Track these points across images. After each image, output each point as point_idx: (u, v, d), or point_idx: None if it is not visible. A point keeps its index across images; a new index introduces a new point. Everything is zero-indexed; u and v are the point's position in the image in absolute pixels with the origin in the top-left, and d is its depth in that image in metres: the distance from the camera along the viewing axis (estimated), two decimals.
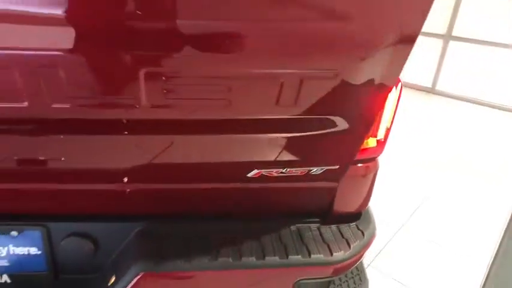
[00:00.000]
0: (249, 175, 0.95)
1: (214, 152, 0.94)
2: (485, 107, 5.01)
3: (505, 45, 4.93)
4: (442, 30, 5.32)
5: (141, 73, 0.73)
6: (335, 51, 0.78)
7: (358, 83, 0.82)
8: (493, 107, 4.99)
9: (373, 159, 1.12)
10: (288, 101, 0.82)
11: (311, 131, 0.90)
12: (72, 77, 0.73)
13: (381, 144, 1.09)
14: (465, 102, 5.15)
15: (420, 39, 0.79)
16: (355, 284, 1.24)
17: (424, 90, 5.52)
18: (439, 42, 5.40)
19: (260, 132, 0.90)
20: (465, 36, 5.19)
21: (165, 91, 0.76)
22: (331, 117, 0.88)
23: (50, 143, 0.88)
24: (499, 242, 2.28)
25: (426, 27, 0.77)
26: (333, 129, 0.90)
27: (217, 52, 0.75)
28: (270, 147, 0.94)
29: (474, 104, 5.09)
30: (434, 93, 5.52)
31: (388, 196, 2.59)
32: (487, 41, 5.02)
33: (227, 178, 0.99)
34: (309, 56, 0.77)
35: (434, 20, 5.22)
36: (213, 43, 0.73)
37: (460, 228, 2.45)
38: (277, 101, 0.81)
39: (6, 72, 0.72)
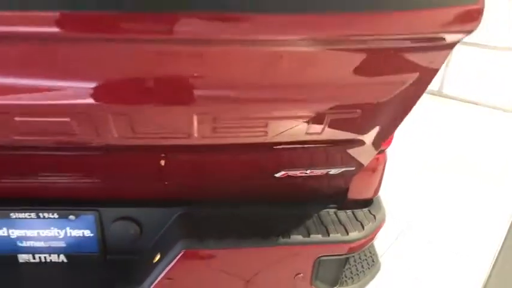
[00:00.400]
0: (276, 175, 1.10)
1: (247, 160, 1.08)
2: (491, 109, 5.12)
3: (510, 49, 5.06)
4: None
5: (196, 117, 0.87)
6: (362, 100, 0.92)
7: (378, 117, 0.97)
8: (499, 109, 5.11)
9: (383, 152, 1.26)
10: (316, 131, 0.96)
11: (334, 145, 1.05)
12: (146, 120, 0.89)
13: (390, 138, 1.24)
14: (472, 105, 5.27)
15: None
16: (368, 265, 1.38)
17: (431, 94, 5.63)
18: None
19: (289, 146, 1.04)
20: (470, 41, 5.32)
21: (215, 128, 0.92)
22: (354, 138, 1.03)
23: (118, 159, 1.04)
24: (502, 242, 2.39)
25: None
26: (353, 144, 1.05)
27: (264, 105, 0.90)
28: (297, 156, 1.09)
29: (480, 107, 5.21)
30: (441, 96, 5.64)
31: (391, 197, 2.71)
32: (492, 46, 5.15)
33: (257, 177, 1.14)
34: (339, 103, 0.92)
35: None
36: (263, 100, 0.88)
37: (463, 229, 2.55)
38: (307, 132, 0.96)
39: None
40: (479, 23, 0.77)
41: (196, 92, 0.82)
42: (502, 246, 2.31)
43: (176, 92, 0.83)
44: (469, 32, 0.79)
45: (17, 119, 0.83)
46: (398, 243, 2.37)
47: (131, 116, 0.85)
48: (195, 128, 0.88)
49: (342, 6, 0.72)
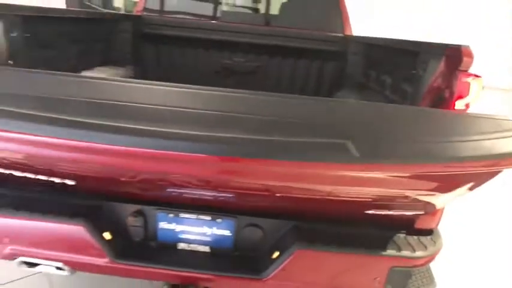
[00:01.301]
0: (366, 212, 1.57)
1: (348, 204, 1.55)
2: None
3: None
4: None
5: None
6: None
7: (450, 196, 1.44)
8: None
9: None
10: (401, 203, 1.47)
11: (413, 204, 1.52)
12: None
13: None
14: None
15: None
16: (427, 281, 1.79)
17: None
18: None
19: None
20: None
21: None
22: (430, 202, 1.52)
23: (255, 196, 1.55)
24: None
25: None
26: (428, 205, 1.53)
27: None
28: (385, 206, 1.54)
29: None
30: None
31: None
32: None
33: (354, 211, 1.62)
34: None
35: None
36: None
37: None
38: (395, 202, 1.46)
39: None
40: None
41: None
42: None
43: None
44: None
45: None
46: None
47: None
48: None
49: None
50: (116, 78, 1.24)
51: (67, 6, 5.18)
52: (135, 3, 5.96)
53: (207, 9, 4.00)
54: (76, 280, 2.35)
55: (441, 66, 1.61)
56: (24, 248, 1.66)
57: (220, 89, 1.28)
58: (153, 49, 3.80)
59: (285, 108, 1.22)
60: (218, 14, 3.95)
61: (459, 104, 1.54)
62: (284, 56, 3.79)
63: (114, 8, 5.84)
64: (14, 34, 1.82)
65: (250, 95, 1.27)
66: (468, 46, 1.51)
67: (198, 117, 1.20)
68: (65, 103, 1.17)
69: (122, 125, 1.10)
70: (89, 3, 5.20)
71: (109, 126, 1.09)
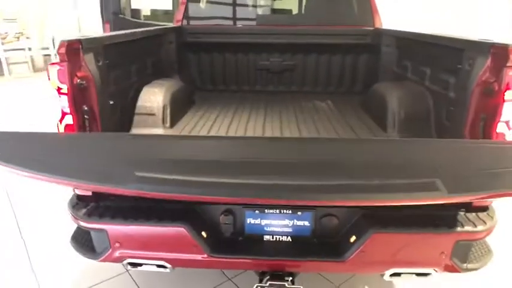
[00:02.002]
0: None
1: None
2: None
3: None
4: None
5: None
6: None
7: None
8: None
9: None
10: None
11: None
12: None
13: None
14: None
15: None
16: (485, 252, 2.01)
17: None
18: None
19: None
20: None
21: None
22: None
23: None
24: None
25: None
26: None
27: None
28: None
29: None
30: None
31: None
32: None
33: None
34: None
35: None
36: None
37: None
38: None
39: None
40: None
41: None
42: None
43: None
44: None
45: None
46: None
47: None
48: None
49: None
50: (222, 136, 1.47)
51: (104, 20, 5.49)
52: (165, 11, 6.30)
53: (243, 13, 4.23)
54: (156, 276, 2.62)
55: (489, 62, 1.81)
56: (132, 251, 1.94)
57: (316, 138, 1.43)
58: (195, 56, 4.06)
59: (380, 152, 1.40)
60: (253, 18, 4.17)
61: (508, 95, 1.75)
62: (318, 53, 4.01)
63: (142, 17, 6.13)
64: (100, 64, 2.08)
65: (347, 143, 1.43)
66: None
67: (300, 165, 1.38)
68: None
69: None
70: (123, 16, 5.50)
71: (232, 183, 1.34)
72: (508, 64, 1.71)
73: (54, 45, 8.23)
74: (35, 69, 10.63)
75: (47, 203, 3.48)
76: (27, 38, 10.87)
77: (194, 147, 1.58)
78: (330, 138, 1.38)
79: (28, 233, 3.10)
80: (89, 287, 2.51)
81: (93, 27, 8.04)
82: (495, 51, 1.78)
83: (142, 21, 5.94)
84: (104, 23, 5.62)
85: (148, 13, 6.26)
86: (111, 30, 5.50)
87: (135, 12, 6.01)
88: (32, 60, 10.50)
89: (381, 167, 1.35)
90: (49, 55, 8.66)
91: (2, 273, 2.64)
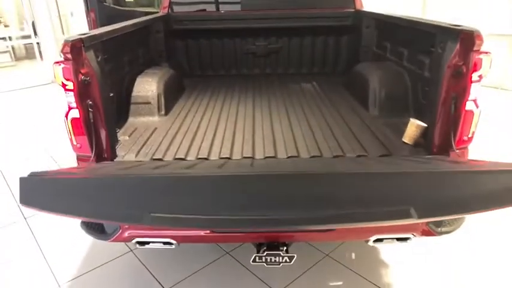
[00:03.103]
0: None
1: None
2: None
3: None
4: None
5: None
6: None
7: None
8: None
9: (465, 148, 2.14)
10: None
11: None
12: None
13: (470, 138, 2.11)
14: None
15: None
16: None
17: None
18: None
19: None
20: None
21: None
22: None
23: None
24: None
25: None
26: None
27: None
28: None
29: None
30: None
31: None
32: None
33: None
34: None
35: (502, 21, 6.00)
36: None
37: None
38: None
39: None
40: None
41: None
42: None
43: None
44: None
45: None
46: None
47: None
48: None
49: None
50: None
51: (89, 8, 5.52)
52: None
53: None
54: (158, 254, 2.81)
55: (458, 46, 1.99)
56: (140, 231, 2.10)
57: (311, 173, 1.54)
58: (182, 43, 4.17)
59: (363, 187, 1.51)
60: (238, 2, 4.27)
61: (475, 76, 1.95)
62: (302, 36, 4.16)
63: (126, 4, 6.15)
64: (99, 59, 2.20)
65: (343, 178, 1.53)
66: (479, 30, 1.90)
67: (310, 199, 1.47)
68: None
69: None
70: (107, 4, 5.53)
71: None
72: (474, 48, 1.90)
73: (35, 32, 8.13)
74: (16, 58, 10.53)
75: None
76: (6, 26, 10.71)
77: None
78: (310, 173, 1.54)
79: (33, 220, 3.25)
80: (100, 265, 2.70)
81: (73, 10, 7.99)
82: (463, 36, 1.96)
83: (126, 8, 5.98)
84: (88, 11, 5.64)
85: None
86: (96, 18, 5.53)
87: (119, 0, 6.04)
88: (13, 48, 10.38)
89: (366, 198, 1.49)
90: (31, 43, 8.56)
91: (11, 259, 2.80)
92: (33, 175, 1.49)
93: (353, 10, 3.98)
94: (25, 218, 3.29)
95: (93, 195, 1.46)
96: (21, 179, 1.44)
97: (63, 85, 1.93)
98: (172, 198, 1.45)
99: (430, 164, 1.82)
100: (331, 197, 1.46)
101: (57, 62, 1.90)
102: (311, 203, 1.45)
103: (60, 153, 4.53)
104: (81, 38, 1.95)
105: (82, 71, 1.96)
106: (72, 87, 1.91)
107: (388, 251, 2.79)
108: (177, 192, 1.46)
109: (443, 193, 1.49)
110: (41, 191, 1.46)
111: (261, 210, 1.43)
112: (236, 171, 1.54)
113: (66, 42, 1.87)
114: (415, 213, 1.41)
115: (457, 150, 2.07)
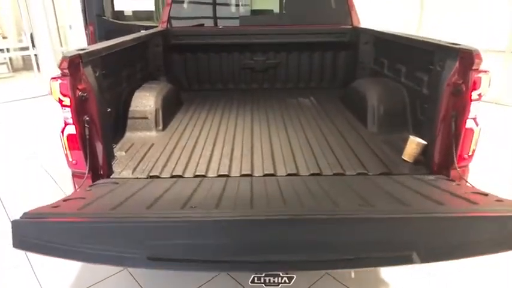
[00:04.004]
0: None
1: None
2: None
3: None
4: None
5: None
6: None
7: None
8: None
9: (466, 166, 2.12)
10: None
11: None
12: None
13: (470, 156, 2.09)
14: None
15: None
16: None
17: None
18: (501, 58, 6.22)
19: None
20: None
21: None
22: None
23: None
24: None
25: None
26: None
27: None
28: None
29: None
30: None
31: None
32: None
33: None
34: None
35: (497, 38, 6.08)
36: None
37: None
38: None
39: None
40: None
41: None
42: None
43: None
44: None
45: None
46: None
47: None
48: None
49: None
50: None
51: (87, 22, 5.53)
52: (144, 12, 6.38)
53: (227, 15, 4.35)
54: (153, 273, 2.75)
55: (457, 65, 1.99)
56: None
57: (319, 217, 1.49)
58: (181, 58, 4.17)
59: (367, 232, 1.49)
60: (237, 18, 4.30)
61: (474, 95, 1.95)
62: (300, 51, 4.17)
63: (125, 18, 6.19)
64: (97, 74, 2.18)
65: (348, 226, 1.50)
66: (478, 50, 1.90)
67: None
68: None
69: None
70: (106, 18, 5.55)
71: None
72: (473, 67, 1.90)
73: (33, 43, 8.13)
74: (14, 69, 10.51)
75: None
76: (4, 37, 10.72)
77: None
78: (315, 218, 1.51)
79: None
80: (94, 283, 2.64)
81: (72, 22, 8.00)
82: (462, 55, 1.97)
83: (125, 22, 6.01)
84: (87, 24, 5.65)
85: (130, 13, 6.33)
86: (94, 31, 5.55)
87: (118, 14, 6.06)
88: (11, 60, 10.36)
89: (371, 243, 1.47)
90: (29, 55, 8.55)
91: (1, 274, 2.74)
92: (26, 217, 1.44)
93: (350, 27, 4.01)
94: None
95: (88, 240, 1.42)
96: (13, 223, 1.40)
97: (60, 101, 1.91)
98: (170, 242, 1.43)
99: (432, 197, 1.73)
100: (334, 243, 1.45)
101: (54, 78, 1.89)
102: (313, 247, 1.44)
103: (53, 163, 4.48)
104: (79, 54, 1.93)
105: (79, 87, 1.94)
106: (69, 103, 1.89)
107: (389, 269, 2.75)
108: (174, 236, 1.44)
109: (447, 238, 1.47)
110: (34, 235, 1.42)
111: (263, 255, 1.43)
112: (235, 214, 1.49)
113: (64, 58, 1.85)
114: (418, 258, 1.40)
115: (458, 169, 2.06)
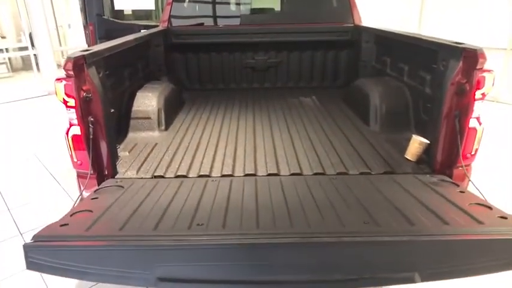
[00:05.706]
0: None
1: None
2: None
3: None
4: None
5: None
6: None
7: None
8: None
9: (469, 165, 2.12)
10: None
11: None
12: None
13: (473, 155, 2.10)
14: None
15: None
16: None
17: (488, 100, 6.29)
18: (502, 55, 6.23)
19: None
20: None
21: None
22: None
23: None
24: None
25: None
26: None
27: None
28: None
29: None
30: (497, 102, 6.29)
31: None
32: None
33: None
34: None
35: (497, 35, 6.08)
36: None
37: None
38: None
39: None
40: None
41: None
42: None
43: None
44: None
45: None
46: None
47: None
48: None
49: None
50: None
51: (87, 22, 5.53)
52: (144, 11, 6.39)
53: (227, 13, 4.34)
54: None
55: (461, 64, 1.99)
56: None
57: (325, 241, 1.50)
58: (182, 57, 4.17)
59: (371, 254, 1.51)
60: (238, 17, 4.29)
61: (478, 94, 1.95)
62: (301, 50, 4.17)
63: (125, 18, 6.19)
64: (101, 75, 2.18)
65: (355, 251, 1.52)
66: (482, 49, 1.90)
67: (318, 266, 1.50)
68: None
69: None
70: (106, 18, 5.55)
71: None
72: (477, 67, 1.91)
73: (32, 43, 8.11)
74: (13, 69, 10.49)
75: (44, 200, 3.57)
76: (3, 37, 10.70)
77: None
78: (322, 242, 1.53)
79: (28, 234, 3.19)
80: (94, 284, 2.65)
81: (70, 22, 7.98)
82: (466, 54, 1.97)
83: (125, 22, 6.01)
84: (87, 24, 5.65)
85: (130, 13, 6.34)
86: (95, 31, 5.54)
87: (118, 13, 6.06)
88: (10, 60, 10.35)
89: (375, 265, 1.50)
90: (28, 55, 8.53)
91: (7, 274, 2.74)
92: (36, 240, 1.47)
93: (352, 25, 4.01)
94: (21, 234, 3.23)
95: (99, 262, 1.47)
96: (25, 247, 1.44)
97: (65, 102, 1.91)
98: (179, 264, 1.48)
99: (437, 213, 1.70)
100: (338, 264, 1.49)
101: (58, 79, 1.89)
102: (318, 268, 1.48)
103: (53, 163, 4.48)
104: (83, 55, 1.93)
105: (84, 88, 1.94)
106: (73, 104, 1.90)
107: None
108: (183, 259, 1.49)
109: (451, 259, 1.49)
110: (45, 258, 1.46)
111: (270, 275, 1.48)
112: (241, 238, 1.51)
113: (68, 59, 1.85)
114: (419, 278, 1.43)
115: (464, 167, 2.06)
